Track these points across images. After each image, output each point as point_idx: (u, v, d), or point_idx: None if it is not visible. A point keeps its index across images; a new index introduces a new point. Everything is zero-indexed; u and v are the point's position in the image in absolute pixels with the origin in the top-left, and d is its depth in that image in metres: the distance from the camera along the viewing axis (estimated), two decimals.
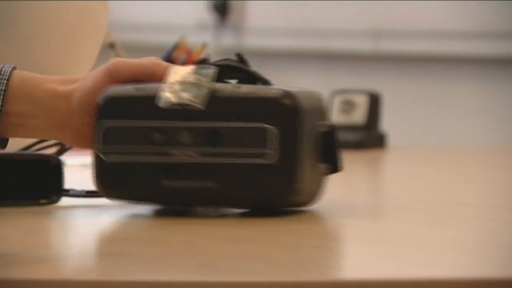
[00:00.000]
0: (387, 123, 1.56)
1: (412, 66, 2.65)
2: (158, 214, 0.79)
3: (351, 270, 0.54)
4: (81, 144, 0.77)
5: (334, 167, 0.76)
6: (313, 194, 0.76)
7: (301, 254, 0.61)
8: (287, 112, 0.72)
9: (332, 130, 0.76)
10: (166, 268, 0.55)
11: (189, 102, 0.72)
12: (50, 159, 0.63)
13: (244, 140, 0.72)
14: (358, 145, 1.40)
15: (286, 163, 0.72)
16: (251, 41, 2.79)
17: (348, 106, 1.44)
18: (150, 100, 0.73)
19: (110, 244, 0.67)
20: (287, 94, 0.73)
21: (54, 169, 0.63)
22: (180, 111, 0.72)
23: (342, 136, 1.46)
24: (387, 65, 2.67)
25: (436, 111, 2.61)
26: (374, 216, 0.83)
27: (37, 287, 0.51)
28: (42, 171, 0.62)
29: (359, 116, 1.44)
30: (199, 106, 0.72)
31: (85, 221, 0.78)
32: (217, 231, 0.72)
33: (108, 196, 0.76)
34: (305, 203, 0.76)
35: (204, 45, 1.69)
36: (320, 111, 0.77)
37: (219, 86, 0.73)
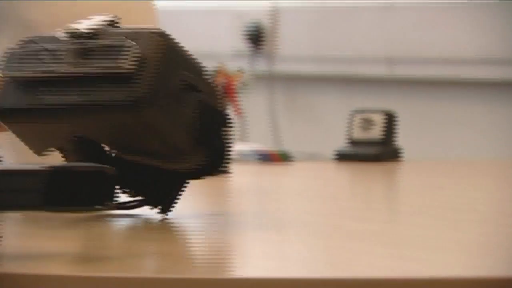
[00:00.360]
0: (402, 139, 1.54)
1: (422, 88, 2.64)
2: (195, 217, 0.79)
3: (367, 268, 0.52)
4: None
5: (214, 152, 0.73)
6: (176, 140, 0.72)
7: (327, 253, 0.60)
8: (156, 43, 0.72)
9: (216, 109, 0.74)
10: (208, 266, 0.54)
11: (78, 30, 0.73)
12: (106, 170, 0.62)
13: (109, 54, 0.72)
14: (376, 158, 1.39)
15: (142, 81, 0.70)
16: (282, 67, 2.79)
17: (367, 123, 1.43)
18: (55, 36, 0.76)
19: (156, 245, 0.66)
20: (162, 33, 0.73)
21: (108, 178, 0.62)
22: (70, 39, 0.74)
23: (362, 150, 1.46)
24: (400, 88, 2.66)
25: (444, 128, 2.59)
26: (388, 220, 0.81)
27: (93, 284, 0.51)
28: (98, 180, 0.61)
29: (376, 132, 1.42)
30: (85, 31, 0.73)
31: (134, 225, 0.78)
32: (253, 234, 0.71)
33: (4, 120, 0.77)
34: (166, 141, 0.72)
35: (240, 71, 1.68)
36: (198, 72, 0.75)
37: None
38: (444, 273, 0.50)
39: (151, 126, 0.71)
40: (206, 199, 0.97)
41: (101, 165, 0.62)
